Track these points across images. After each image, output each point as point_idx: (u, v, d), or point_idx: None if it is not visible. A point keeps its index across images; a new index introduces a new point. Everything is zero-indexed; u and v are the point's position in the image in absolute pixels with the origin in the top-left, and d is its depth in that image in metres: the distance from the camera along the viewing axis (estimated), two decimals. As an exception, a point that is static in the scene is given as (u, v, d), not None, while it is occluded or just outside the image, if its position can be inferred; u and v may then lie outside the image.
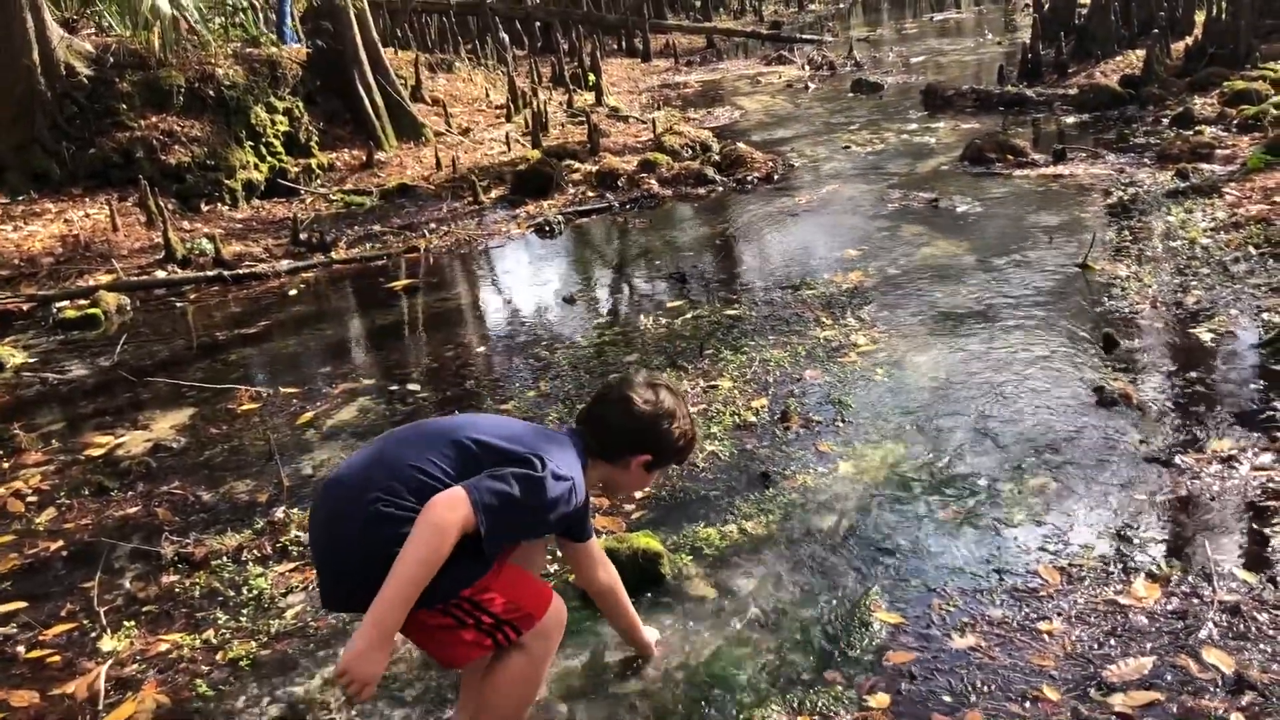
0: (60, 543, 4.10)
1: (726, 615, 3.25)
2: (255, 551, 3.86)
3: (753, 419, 4.58)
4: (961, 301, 5.84)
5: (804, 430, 4.45)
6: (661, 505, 3.95)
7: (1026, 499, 3.74)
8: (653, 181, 9.55)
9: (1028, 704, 2.73)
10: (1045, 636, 3.00)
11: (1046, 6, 15.10)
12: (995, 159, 9.17)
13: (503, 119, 13.32)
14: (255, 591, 3.60)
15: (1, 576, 3.88)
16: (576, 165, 10.31)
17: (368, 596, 2.20)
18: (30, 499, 4.50)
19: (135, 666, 3.26)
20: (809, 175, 9.67)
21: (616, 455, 2.60)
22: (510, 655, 2.45)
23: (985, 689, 2.81)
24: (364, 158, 11.18)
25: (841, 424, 4.47)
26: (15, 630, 3.52)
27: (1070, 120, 11.08)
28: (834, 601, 3.27)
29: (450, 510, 2.20)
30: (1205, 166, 8.17)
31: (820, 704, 2.80)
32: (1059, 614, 3.10)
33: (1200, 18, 13.27)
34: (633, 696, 2.92)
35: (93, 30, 11.28)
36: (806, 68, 17.36)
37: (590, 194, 9.52)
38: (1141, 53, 12.30)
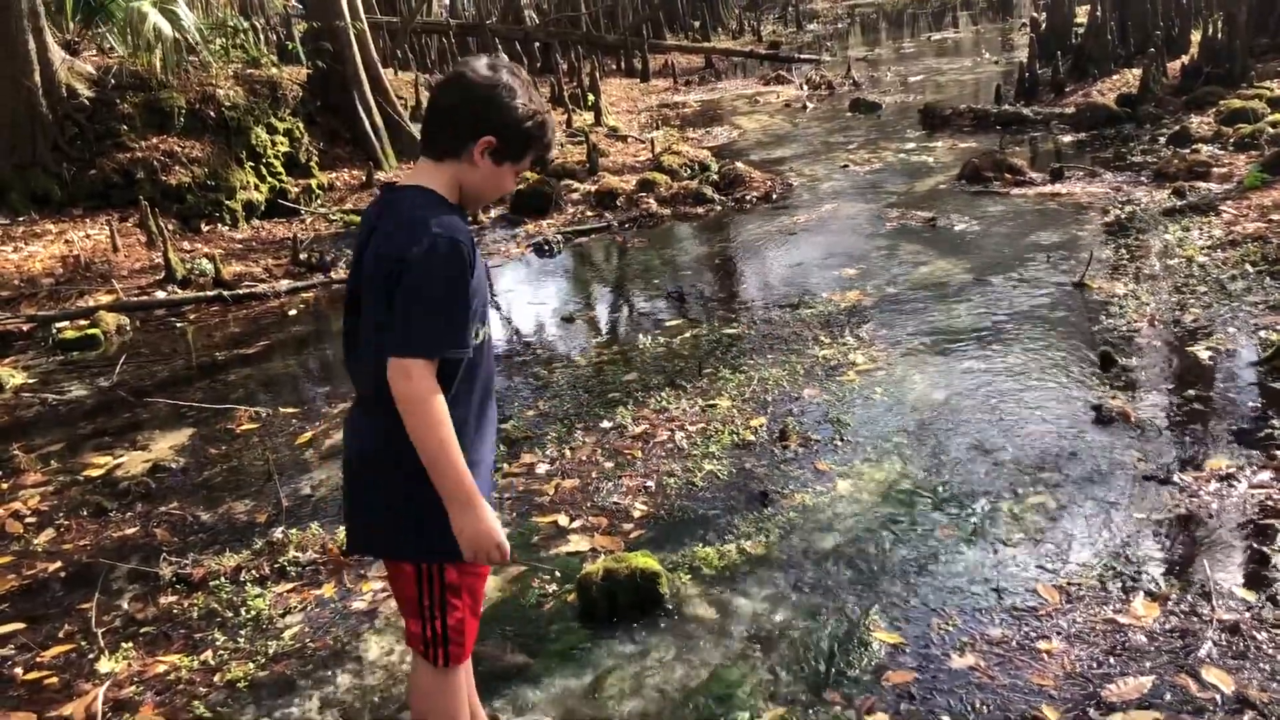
0: (59, 563, 4.10)
1: (725, 634, 3.25)
2: (254, 572, 3.85)
3: (751, 438, 4.59)
4: (959, 320, 5.85)
5: (802, 449, 4.45)
6: (660, 525, 3.95)
7: (1025, 518, 3.74)
8: (651, 201, 9.58)
9: (1027, 724, 2.73)
10: (1044, 656, 2.99)
11: (1043, 26, 15.18)
12: (993, 178, 9.20)
13: (502, 139, 13.34)
14: (253, 612, 3.59)
15: (1, 598, 3.87)
16: (575, 185, 10.34)
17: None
18: (29, 520, 4.50)
19: (133, 688, 3.25)
20: (807, 194, 9.70)
21: (460, 146, 2.24)
22: (426, 671, 2.43)
23: (984, 709, 2.80)
24: (364, 177, 11.22)
25: (840, 443, 4.47)
26: (13, 651, 3.51)
27: (1067, 139, 11.13)
28: (833, 621, 3.26)
29: (404, 381, 2.11)
30: (1202, 185, 8.20)
31: (819, 724, 2.80)
32: (1058, 633, 3.09)
33: (1196, 37, 13.32)
34: (630, 717, 2.91)
35: (94, 51, 11.33)
36: (805, 87, 17.43)
37: (589, 213, 9.55)
38: (1138, 72, 12.36)
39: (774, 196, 9.65)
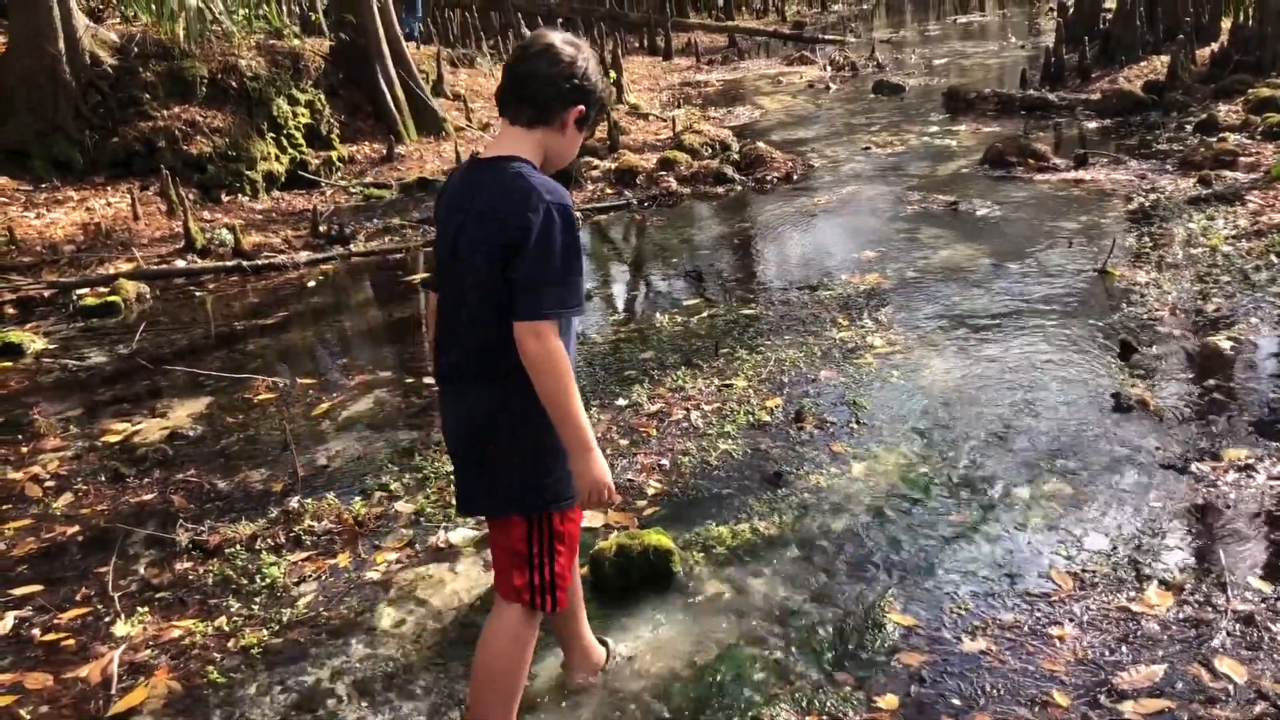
0: (76, 527, 4.13)
1: (737, 613, 3.25)
2: (269, 540, 3.87)
3: (767, 419, 4.58)
4: (979, 305, 5.81)
5: (818, 431, 4.44)
6: (674, 503, 3.95)
7: (1040, 504, 3.73)
8: (671, 179, 9.55)
9: (1037, 709, 2.73)
10: (1056, 642, 2.99)
11: (1071, 11, 15.02)
12: (1016, 163, 9.14)
13: (523, 115, 13.30)
14: (268, 580, 3.62)
15: (19, 560, 3.91)
16: (595, 162, 10.31)
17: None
18: (48, 484, 4.53)
19: (148, 652, 3.28)
20: (828, 176, 9.65)
21: (553, 114, 2.42)
22: (518, 619, 2.53)
23: (995, 693, 2.80)
24: (385, 151, 11.21)
25: (856, 425, 4.46)
26: (31, 613, 3.55)
27: (1092, 125, 11.02)
28: (845, 602, 3.26)
29: (534, 341, 2.25)
30: (1228, 174, 8.12)
31: (829, 704, 2.80)
32: (1070, 619, 3.08)
33: (1226, 24, 13.18)
34: (642, 693, 2.92)
35: (118, 19, 11.34)
36: (828, 68, 17.32)
37: (609, 191, 9.53)
38: (1166, 58, 12.23)
39: (795, 177, 9.60)
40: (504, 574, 2.53)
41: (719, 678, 2.96)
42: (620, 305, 6.69)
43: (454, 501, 2.83)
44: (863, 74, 16.44)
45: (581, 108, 2.44)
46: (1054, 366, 4.91)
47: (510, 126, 2.44)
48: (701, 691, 2.91)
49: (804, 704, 2.82)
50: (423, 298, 7.10)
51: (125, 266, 7.76)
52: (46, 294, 7.37)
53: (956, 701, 2.78)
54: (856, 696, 2.83)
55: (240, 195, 9.78)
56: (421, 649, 3.19)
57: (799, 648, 3.06)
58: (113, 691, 3.10)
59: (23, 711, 3.04)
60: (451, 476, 3.17)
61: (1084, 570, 3.32)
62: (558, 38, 2.45)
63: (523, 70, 2.41)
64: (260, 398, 5.35)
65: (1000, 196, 8.27)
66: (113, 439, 4.98)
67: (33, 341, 6.44)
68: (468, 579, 3.54)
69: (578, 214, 8.51)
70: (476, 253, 2.33)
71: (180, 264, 7.93)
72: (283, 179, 10.26)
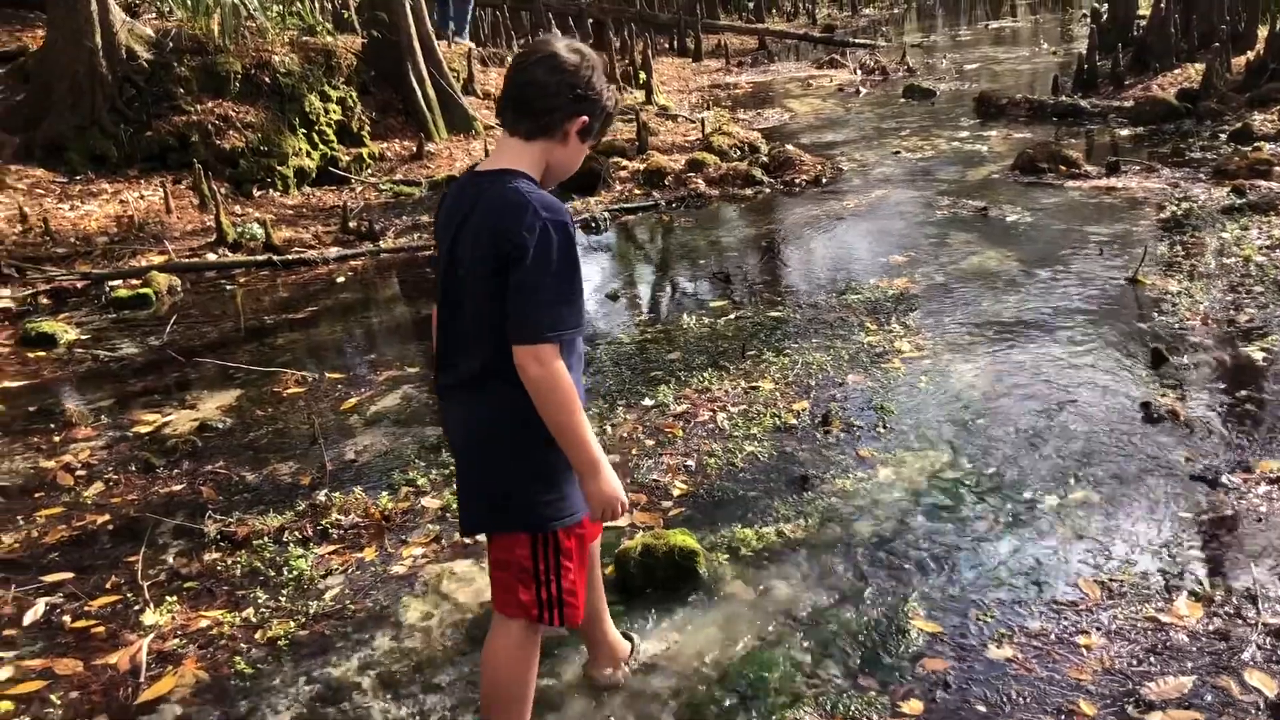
0: (107, 516, 4.18)
1: (761, 615, 3.25)
2: (296, 533, 3.91)
3: (793, 421, 4.57)
4: (1008, 311, 5.78)
5: (845, 435, 4.43)
6: (699, 504, 3.95)
7: (1069, 512, 3.70)
8: (700, 181, 9.55)
9: (1063, 718, 2.71)
10: (1083, 651, 2.97)
11: (1104, 17, 14.90)
12: (1047, 169, 9.07)
13: (552, 114, 13.33)
14: (295, 572, 3.65)
15: (50, 547, 3.96)
16: (624, 162, 10.32)
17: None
18: (79, 473, 4.59)
19: (176, 641, 3.32)
20: (858, 179, 9.62)
21: (555, 125, 2.33)
22: (520, 632, 2.51)
23: (1021, 701, 2.78)
24: (415, 148, 11.26)
25: (883, 430, 4.45)
26: (62, 600, 3.59)
27: (1125, 133, 10.93)
28: (870, 607, 3.25)
29: (535, 366, 2.20)
30: (1263, 183, 8.03)
31: (853, 708, 2.80)
32: (1098, 629, 3.06)
33: (1263, 32, 13.01)
34: (664, 693, 2.92)
35: (154, 15, 11.46)
36: (858, 72, 17.25)
37: (637, 191, 9.53)
38: (1201, 66, 12.10)
39: (824, 180, 9.58)
40: (507, 590, 2.47)
41: (743, 679, 2.96)
42: (647, 306, 6.69)
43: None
44: (893, 78, 16.37)
45: (585, 119, 2.35)
46: (1083, 374, 4.88)
47: (509, 138, 2.36)
48: (726, 692, 2.91)
49: (828, 707, 2.81)
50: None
51: (157, 259, 7.83)
52: (80, 285, 7.45)
53: (982, 709, 2.77)
54: (881, 701, 2.82)
55: (271, 190, 9.84)
56: (446, 644, 3.21)
57: (823, 651, 3.06)
58: (141, 679, 3.14)
59: (53, 696, 3.08)
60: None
61: (1112, 580, 3.30)
62: (561, 45, 2.35)
63: (522, 79, 2.32)
64: (289, 391, 5.39)
65: (1031, 203, 8.21)
66: (143, 430, 5.03)
67: (65, 332, 6.51)
68: (493, 575, 3.55)
69: (605, 214, 8.61)
70: (474, 268, 2.27)
71: (211, 257, 8.00)
72: (313, 175, 10.32)
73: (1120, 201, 8.10)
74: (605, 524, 2.57)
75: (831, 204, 8.75)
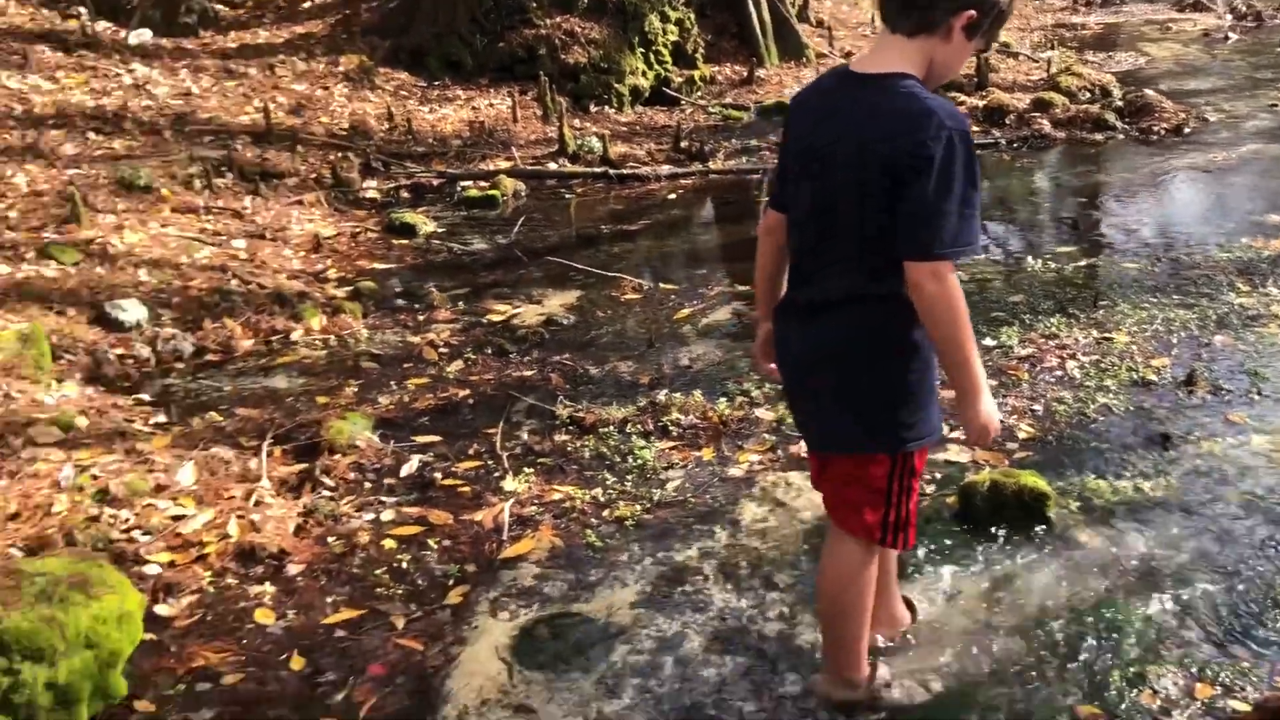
0: (467, 391, 4.52)
1: (1115, 568, 3.09)
2: (639, 426, 4.07)
3: (1152, 378, 4.28)
4: None
5: (1211, 397, 4.10)
6: (1047, 449, 3.79)
7: None
8: (1044, 121, 9.01)
9: None
10: None
11: None
12: None
13: (885, 46, 12.95)
14: (639, 461, 3.82)
15: (420, 412, 4.34)
16: (962, 98, 9.87)
17: None
18: (442, 350, 4.98)
19: (533, 508, 3.57)
20: (1226, 132, 8.75)
21: (940, 19, 2.13)
22: (862, 550, 2.46)
23: None
24: (745, 73, 11.27)
25: (1257, 396, 4.08)
26: (432, 459, 3.93)
27: None
28: (1241, 576, 3.02)
29: (933, 282, 2.10)
30: None
31: (1224, 676, 2.62)
32: None
33: None
34: (1002, 631, 2.85)
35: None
36: (1227, 16, 15.61)
37: (975, 129, 9.12)
38: None
39: (1185, 130, 8.77)
40: (852, 509, 2.40)
41: (1093, 624, 2.84)
42: (988, 245, 6.42)
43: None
44: (1269, 24, 14.70)
45: (972, 13, 2.12)
46: None
47: (890, 35, 2.19)
48: (1077, 633, 2.80)
49: (1194, 670, 2.65)
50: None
51: (504, 164, 8.30)
52: (435, 183, 8.02)
53: (1377, 701, 2.52)
54: (1256, 673, 2.63)
55: (607, 107, 10.16)
56: (785, 547, 3.27)
57: (1184, 614, 2.88)
58: (504, 538, 3.40)
59: (430, 541, 3.40)
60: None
61: None
62: None
63: None
64: (626, 297, 5.59)
65: None
66: (495, 318, 5.39)
67: (424, 224, 7.04)
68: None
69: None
70: (857, 177, 2.13)
71: (553, 166, 8.38)
72: (646, 94, 10.55)
73: None
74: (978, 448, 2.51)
75: (1194, 155, 8.02)
